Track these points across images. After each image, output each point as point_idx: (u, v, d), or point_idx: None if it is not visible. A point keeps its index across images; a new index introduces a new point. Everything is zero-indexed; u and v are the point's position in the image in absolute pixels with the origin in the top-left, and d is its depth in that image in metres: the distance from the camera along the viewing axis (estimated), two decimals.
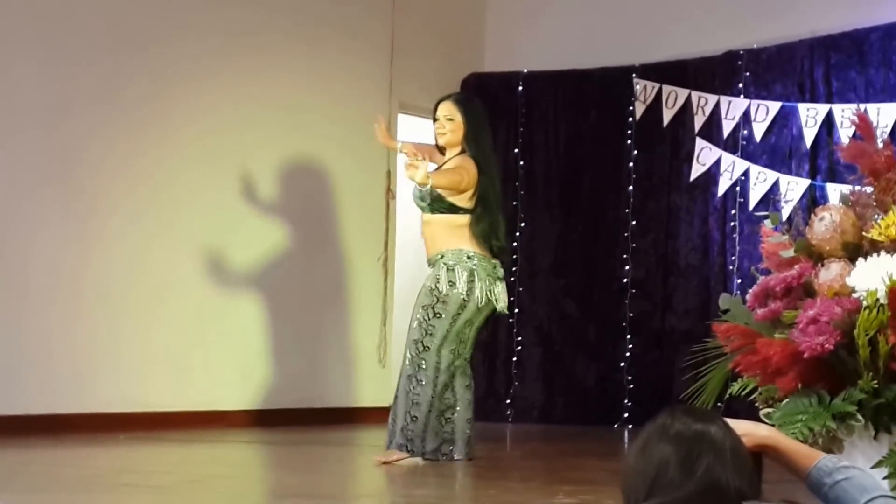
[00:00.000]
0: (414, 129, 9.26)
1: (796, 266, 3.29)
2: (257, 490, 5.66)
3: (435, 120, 6.59)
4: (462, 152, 6.52)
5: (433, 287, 6.39)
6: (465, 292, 6.36)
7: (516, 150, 10.20)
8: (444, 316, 6.36)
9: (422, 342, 6.36)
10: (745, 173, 9.14)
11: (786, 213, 8.13)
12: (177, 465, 6.50)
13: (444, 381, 6.37)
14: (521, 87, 10.21)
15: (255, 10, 8.89)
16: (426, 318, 6.37)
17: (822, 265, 3.26)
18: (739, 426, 2.41)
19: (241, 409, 8.64)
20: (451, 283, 6.35)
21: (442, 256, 6.43)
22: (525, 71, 10.20)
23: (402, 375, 6.45)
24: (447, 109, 6.54)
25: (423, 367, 6.34)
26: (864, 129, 3.47)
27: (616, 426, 9.45)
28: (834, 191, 8.42)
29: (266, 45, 8.96)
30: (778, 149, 9.04)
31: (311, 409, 8.93)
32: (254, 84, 8.84)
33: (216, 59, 8.67)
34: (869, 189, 3.35)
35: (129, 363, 8.11)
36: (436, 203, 6.43)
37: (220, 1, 8.70)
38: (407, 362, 6.40)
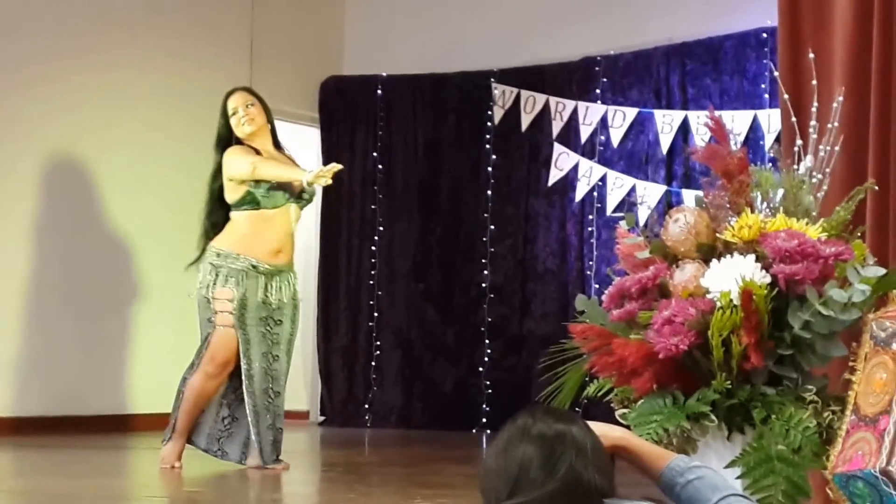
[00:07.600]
0: None
1: (651, 267, 3.29)
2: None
3: (233, 114, 6.13)
4: (278, 147, 6.28)
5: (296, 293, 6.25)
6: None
7: (375, 154, 10.15)
8: None
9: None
10: (603, 179, 9.22)
11: (643, 217, 8.21)
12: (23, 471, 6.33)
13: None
14: (380, 91, 10.17)
15: (108, 5, 8.72)
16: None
17: (677, 266, 3.26)
18: (593, 428, 2.42)
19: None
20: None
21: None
22: (384, 74, 10.17)
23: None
24: (246, 98, 6.18)
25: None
26: (717, 131, 3.47)
27: (474, 430, 9.45)
28: (690, 197, 8.52)
29: (121, 41, 8.78)
30: (635, 154, 9.14)
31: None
32: (109, 82, 8.67)
33: (68, 58, 8.49)
34: (722, 191, 3.37)
35: None
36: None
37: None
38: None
